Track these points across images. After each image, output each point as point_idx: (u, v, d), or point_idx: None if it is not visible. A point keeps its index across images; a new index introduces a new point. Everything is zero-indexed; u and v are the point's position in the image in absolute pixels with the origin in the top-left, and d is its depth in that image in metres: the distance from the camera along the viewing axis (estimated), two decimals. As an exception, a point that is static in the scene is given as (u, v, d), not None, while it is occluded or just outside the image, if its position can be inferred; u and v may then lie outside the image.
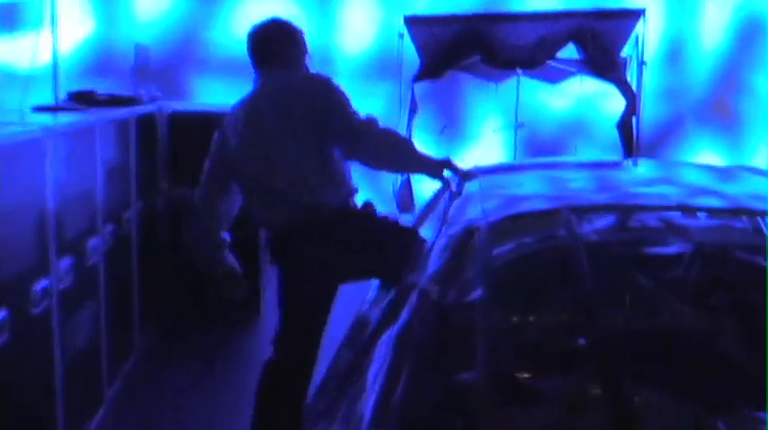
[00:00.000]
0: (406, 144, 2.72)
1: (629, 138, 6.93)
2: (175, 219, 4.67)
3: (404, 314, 1.73)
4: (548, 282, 1.73)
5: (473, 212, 2.08)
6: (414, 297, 1.79)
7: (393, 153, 2.63)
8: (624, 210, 2.01)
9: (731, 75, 7.12)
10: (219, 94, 5.86)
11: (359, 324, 2.14)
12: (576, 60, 6.71)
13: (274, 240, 2.72)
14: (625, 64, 6.90)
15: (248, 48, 2.85)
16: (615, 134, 6.93)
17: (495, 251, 1.81)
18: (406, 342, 1.66)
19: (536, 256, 1.86)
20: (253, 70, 2.83)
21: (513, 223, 1.94)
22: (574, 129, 7.16)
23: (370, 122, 2.64)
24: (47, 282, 2.68)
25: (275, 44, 2.79)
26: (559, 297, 1.71)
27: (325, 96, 2.63)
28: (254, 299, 4.83)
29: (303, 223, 2.57)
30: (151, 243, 4.38)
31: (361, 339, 1.96)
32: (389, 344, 1.67)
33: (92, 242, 3.25)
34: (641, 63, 6.77)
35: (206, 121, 4.66)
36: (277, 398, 2.62)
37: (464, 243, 1.85)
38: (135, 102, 4.24)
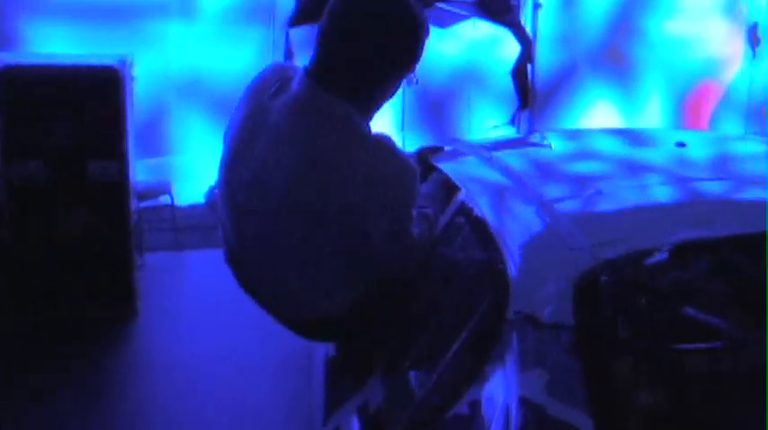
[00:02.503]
0: None
1: (525, 86, 6.63)
2: (19, 207, 3.64)
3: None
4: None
5: (555, 246, 1.35)
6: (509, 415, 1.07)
7: None
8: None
9: (624, 19, 6.94)
10: (60, 42, 4.97)
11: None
12: (468, 2, 6.19)
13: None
14: (519, 6, 6.55)
15: (329, 20, 1.72)
16: (509, 82, 6.55)
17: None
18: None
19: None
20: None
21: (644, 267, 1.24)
22: (466, 78, 6.72)
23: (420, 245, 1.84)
24: None
25: (373, 49, 1.69)
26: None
27: (390, 200, 1.70)
28: (129, 296, 3.90)
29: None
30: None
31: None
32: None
33: None
34: (536, 5, 6.48)
35: (48, 77, 3.75)
36: None
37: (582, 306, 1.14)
38: (-50, 53, 3.18)
